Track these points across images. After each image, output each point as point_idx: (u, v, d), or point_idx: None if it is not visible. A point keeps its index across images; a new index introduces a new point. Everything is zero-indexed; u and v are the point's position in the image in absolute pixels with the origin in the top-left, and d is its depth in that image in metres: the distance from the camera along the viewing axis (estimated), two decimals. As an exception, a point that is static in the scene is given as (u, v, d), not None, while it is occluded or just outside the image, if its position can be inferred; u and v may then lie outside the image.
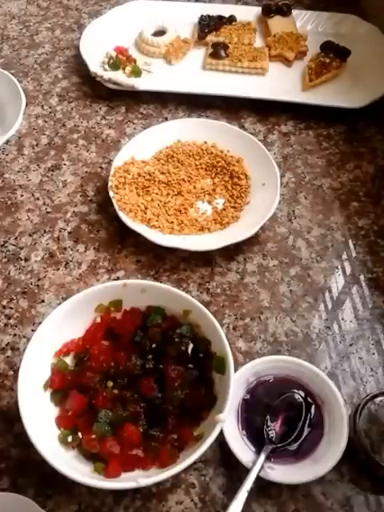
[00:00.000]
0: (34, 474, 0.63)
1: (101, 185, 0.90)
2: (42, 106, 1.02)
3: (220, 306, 0.77)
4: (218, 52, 1.04)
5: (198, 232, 0.82)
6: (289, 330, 0.75)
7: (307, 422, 0.64)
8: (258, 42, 1.10)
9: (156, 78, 1.04)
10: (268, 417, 0.64)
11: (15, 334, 0.74)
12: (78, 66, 1.08)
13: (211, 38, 1.08)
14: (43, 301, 0.77)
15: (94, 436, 0.60)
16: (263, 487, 0.61)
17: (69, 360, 0.67)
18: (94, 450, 0.60)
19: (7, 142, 0.95)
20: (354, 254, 0.82)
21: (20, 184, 0.91)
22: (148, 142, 0.90)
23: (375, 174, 0.92)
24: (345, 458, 0.61)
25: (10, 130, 0.93)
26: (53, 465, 0.56)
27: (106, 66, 1.03)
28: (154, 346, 0.65)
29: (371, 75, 1.00)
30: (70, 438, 0.61)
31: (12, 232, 0.85)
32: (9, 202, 0.88)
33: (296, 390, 0.66)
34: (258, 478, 0.60)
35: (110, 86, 1.01)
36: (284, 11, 1.12)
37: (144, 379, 0.63)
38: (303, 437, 0.63)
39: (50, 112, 1.01)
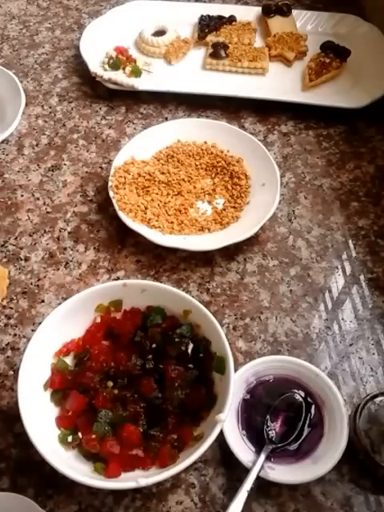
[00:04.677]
0: (33, 473, 0.63)
1: (101, 185, 0.90)
2: (42, 106, 1.02)
3: (220, 306, 0.77)
4: (218, 52, 1.04)
5: (198, 232, 0.82)
6: (289, 330, 0.75)
7: (307, 422, 0.64)
8: (258, 42, 1.10)
9: (156, 77, 1.04)
10: (268, 417, 0.64)
11: (15, 334, 0.74)
12: (78, 65, 1.08)
13: (211, 38, 1.08)
14: (43, 301, 0.77)
15: (94, 436, 0.60)
16: (263, 487, 0.61)
17: (69, 360, 0.67)
18: (94, 450, 0.60)
19: (7, 142, 0.96)
20: (354, 254, 0.82)
21: (20, 184, 0.91)
22: (148, 142, 0.90)
23: (375, 174, 0.92)
24: (345, 458, 0.61)
25: (8, 128, 0.93)
26: (53, 465, 0.56)
27: (106, 66, 1.03)
28: (154, 346, 0.65)
29: (371, 75, 1.00)
30: (69, 438, 0.61)
31: (12, 232, 0.85)
32: (9, 202, 0.88)
33: (296, 390, 0.66)
34: (258, 478, 0.60)
35: (110, 86, 1.01)
36: (284, 11, 1.12)
37: (144, 379, 0.63)
38: (303, 437, 0.63)
39: (50, 112, 1.01)
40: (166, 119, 0.99)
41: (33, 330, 0.73)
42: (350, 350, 0.73)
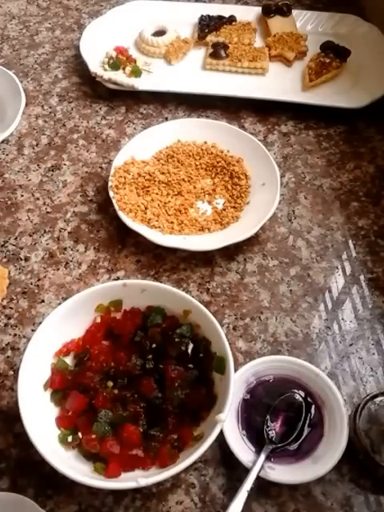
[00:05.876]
0: (34, 474, 0.63)
1: (101, 185, 0.90)
2: (42, 106, 1.02)
3: (220, 306, 0.77)
4: (218, 52, 1.04)
5: (198, 232, 0.82)
6: (289, 330, 0.75)
7: (307, 422, 0.64)
8: (258, 42, 1.10)
9: (156, 77, 1.04)
10: (268, 417, 0.64)
11: (15, 334, 0.74)
12: (78, 65, 1.08)
13: (211, 38, 1.08)
14: (43, 301, 0.77)
15: (93, 436, 0.60)
16: (263, 487, 0.61)
17: (69, 360, 0.67)
18: (94, 449, 0.60)
19: (7, 142, 0.96)
20: (354, 254, 0.82)
21: (20, 184, 0.91)
22: (148, 142, 0.90)
23: (375, 173, 0.92)
24: (345, 458, 0.61)
25: (8, 128, 0.93)
26: (53, 465, 0.56)
27: (106, 66, 1.03)
28: (154, 345, 0.65)
29: (371, 75, 1.00)
30: (69, 438, 0.61)
31: (12, 232, 0.85)
32: (9, 202, 0.88)
33: (296, 390, 0.66)
34: (258, 478, 0.60)
35: (110, 86, 1.01)
36: (284, 11, 1.12)
37: (144, 379, 0.63)
38: (303, 437, 0.63)
39: (50, 112, 1.01)
40: (166, 119, 0.99)
41: (33, 330, 0.73)
42: (350, 349, 0.73)
